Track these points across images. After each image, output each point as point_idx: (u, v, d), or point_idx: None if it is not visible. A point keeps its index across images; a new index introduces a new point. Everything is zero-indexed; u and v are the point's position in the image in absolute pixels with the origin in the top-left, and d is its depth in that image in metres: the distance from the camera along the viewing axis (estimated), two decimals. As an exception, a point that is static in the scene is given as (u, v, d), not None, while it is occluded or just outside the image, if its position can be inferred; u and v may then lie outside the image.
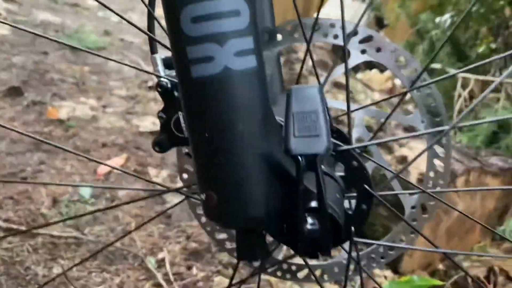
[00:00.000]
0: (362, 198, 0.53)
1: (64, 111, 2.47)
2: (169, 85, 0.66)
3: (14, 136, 2.12)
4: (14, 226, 1.53)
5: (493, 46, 2.67)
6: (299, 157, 0.44)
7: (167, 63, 0.70)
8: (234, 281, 0.68)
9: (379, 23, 3.92)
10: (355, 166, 0.52)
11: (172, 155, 2.24)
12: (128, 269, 1.44)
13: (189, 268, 1.49)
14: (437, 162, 0.69)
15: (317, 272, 0.73)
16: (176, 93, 0.66)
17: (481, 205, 1.59)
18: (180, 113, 0.66)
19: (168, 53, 0.71)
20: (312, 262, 0.74)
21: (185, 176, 0.76)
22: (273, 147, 0.48)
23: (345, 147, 0.52)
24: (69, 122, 2.36)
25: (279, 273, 0.74)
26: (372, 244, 0.63)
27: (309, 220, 0.45)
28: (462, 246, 1.65)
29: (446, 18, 2.85)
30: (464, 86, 2.30)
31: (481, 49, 2.75)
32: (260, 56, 0.46)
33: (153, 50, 0.67)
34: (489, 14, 2.76)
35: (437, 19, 2.79)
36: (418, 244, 1.50)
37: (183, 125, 0.67)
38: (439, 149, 0.69)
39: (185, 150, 0.75)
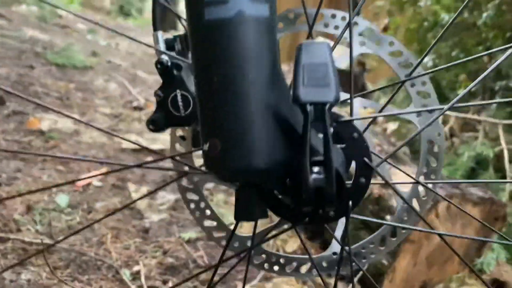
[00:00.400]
0: (361, 170, 0.53)
1: (46, 123, 2.43)
2: (169, 63, 0.66)
3: (-9, 144, 2.07)
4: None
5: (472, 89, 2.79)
6: (308, 106, 0.44)
7: (168, 45, 0.70)
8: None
9: (362, 67, 4.07)
10: (355, 137, 0.52)
11: (152, 174, 2.23)
12: (101, 280, 1.38)
13: (164, 282, 1.44)
14: (430, 158, 0.69)
15: (306, 266, 0.71)
16: (175, 72, 0.66)
17: (461, 234, 1.60)
18: (178, 91, 0.66)
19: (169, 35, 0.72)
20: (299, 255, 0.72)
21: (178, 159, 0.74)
22: (280, 99, 0.47)
23: (347, 118, 0.52)
24: (50, 133, 2.32)
25: (266, 266, 0.72)
26: (367, 221, 0.62)
27: (315, 169, 0.45)
28: (441, 275, 1.65)
29: (427, 61, 2.99)
30: (444, 123, 2.37)
31: (460, 92, 2.87)
32: (273, 8, 0.47)
33: (155, 27, 0.67)
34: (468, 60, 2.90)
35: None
36: (403, 252, 1.50)
37: (180, 103, 0.66)
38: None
39: (179, 133, 0.74)
